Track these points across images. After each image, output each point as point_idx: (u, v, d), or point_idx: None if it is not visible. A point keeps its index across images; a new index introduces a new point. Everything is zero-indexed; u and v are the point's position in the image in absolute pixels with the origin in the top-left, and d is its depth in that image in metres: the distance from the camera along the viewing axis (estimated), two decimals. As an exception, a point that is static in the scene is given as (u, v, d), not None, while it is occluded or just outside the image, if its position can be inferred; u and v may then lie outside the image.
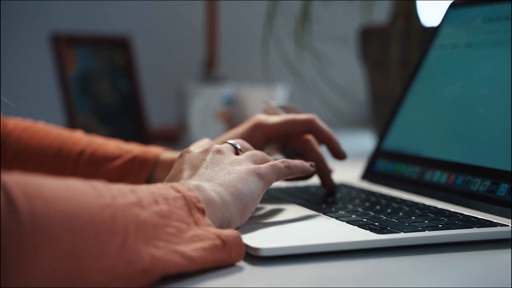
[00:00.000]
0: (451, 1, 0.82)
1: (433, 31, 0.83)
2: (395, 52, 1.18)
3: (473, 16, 0.77)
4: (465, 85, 0.75)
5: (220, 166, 0.58)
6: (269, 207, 0.67)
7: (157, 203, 0.47)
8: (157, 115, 1.64)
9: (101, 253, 0.41)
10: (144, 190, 0.47)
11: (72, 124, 1.24)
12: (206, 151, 0.60)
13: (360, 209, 0.65)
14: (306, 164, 0.64)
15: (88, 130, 1.24)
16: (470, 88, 0.74)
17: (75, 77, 1.28)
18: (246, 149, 0.65)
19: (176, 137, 1.48)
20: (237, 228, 0.56)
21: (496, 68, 0.71)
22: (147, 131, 1.40)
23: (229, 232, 0.50)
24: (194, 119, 1.40)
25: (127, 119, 1.38)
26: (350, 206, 0.66)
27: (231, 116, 1.43)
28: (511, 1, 0.72)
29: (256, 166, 0.59)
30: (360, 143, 1.32)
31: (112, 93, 1.36)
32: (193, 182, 0.54)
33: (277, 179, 0.61)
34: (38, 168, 0.76)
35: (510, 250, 0.55)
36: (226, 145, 0.63)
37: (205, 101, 1.41)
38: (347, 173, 0.86)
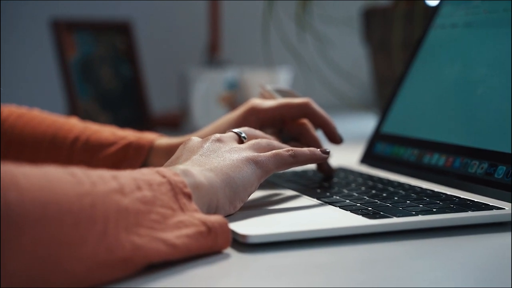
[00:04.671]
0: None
1: (433, 10, 0.81)
2: (399, 33, 1.16)
3: (472, -5, 0.75)
4: (464, 65, 0.73)
5: (216, 153, 0.57)
6: (261, 192, 0.66)
7: (140, 189, 0.46)
8: (159, 100, 1.63)
9: (80, 241, 0.41)
10: (126, 176, 0.46)
11: (73, 110, 1.24)
12: (206, 139, 0.59)
13: (355, 194, 0.63)
14: (317, 152, 0.61)
15: (89, 116, 1.23)
16: (469, 68, 0.72)
17: (75, 63, 1.27)
18: (253, 137, 0.63)
19: (178, 123, 1.47)
20: (227, 216, 0.55)
21: (495, 48, 0.70)
22: (149, 116, 1.39)
23: (215, 218, 0.49)
24: (197, 104, 1.39)
25: (129, 105, 1.37)
26: (345, 191, 0.65)
27: (234, 100, 1.42)
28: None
29: (256, 154, 0.58)
30: (364, 126, 1.30)
31: (113, 79, 1.35)
32: (180, 167, 0.53)
33: (278, 169, 0.59)
34: (32, 156, 0.75)
35: (508, 233, 0.54)
36: (229, 133, 0.62)
37: (207, 85, 1.39)
38: (348, 157, 0.85)
